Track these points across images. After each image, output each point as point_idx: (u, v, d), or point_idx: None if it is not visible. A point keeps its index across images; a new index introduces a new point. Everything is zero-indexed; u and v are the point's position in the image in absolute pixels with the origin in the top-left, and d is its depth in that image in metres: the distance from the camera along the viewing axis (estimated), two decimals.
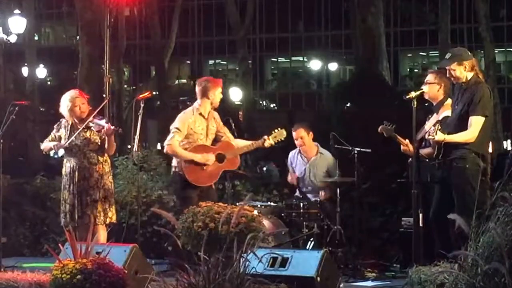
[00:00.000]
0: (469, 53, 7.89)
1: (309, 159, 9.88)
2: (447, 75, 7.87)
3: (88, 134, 8.79)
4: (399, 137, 8.59)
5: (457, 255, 5.20)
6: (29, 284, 7.20)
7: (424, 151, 8.31)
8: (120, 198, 10.82)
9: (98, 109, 8.99)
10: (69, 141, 8.74)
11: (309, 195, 9.77)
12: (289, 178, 10.05)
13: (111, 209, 8.84)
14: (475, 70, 7.77)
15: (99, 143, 8.82)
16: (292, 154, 10.07)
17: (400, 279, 8.24)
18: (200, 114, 8.96)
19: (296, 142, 9.90)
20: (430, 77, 8.46)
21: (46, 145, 9.00)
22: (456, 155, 7.57)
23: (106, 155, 8.89)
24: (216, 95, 8.98)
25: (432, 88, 8.38)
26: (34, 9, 32.62)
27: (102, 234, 8.63)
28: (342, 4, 40.28)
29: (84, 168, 8.76)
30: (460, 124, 7.62)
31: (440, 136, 7.49)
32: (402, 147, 8.63)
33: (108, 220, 8.78)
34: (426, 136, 7.68)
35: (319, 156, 9.86)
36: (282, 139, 9.19)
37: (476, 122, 7.58)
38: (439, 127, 7.43)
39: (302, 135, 9.81)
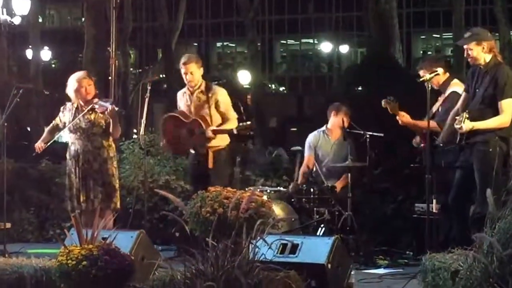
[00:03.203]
0: (489, 34, 7.82)
1: (334, 139, 9.86)
2: (465, 55, 7.83)
3: (92, 117, 8.82)
4: (399, 111, 8.60)
5: (479, 238, 5.18)
6: (34, 270, 7.21)
7: (425, 124, 8.30)
8: (127, 183, 10.86)
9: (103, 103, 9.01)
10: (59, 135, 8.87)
11: (329, 180, 9.72)
12: (303, 169, 10.00)
13: (116, 195, 8.87)
14: (493, 52, 7.70)
15: (103, 127, 8.84)
16: (314, 135, 10.00)
17: (413, 266, 8.23)
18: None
19: (334, 126, 9.86)
20: (425, 75, 8.43)
21: (46, 132, 9.12)
22: (479, 139, 7.53)
23: (110, 140, 8.91)
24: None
25: (435, 80, 8.38)
26: None
27: (110, 219, 8.65)
28: None
29: (88, 151, 8.80)
30: (484, 108, 7.57)
31: (468, 125, 7.43)
32: (400, 119, 8.61)
33: (113, 206, 8.81)
34: (454, 124, 7.61)
35: (342, 139, 9.81)
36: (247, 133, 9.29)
37: (507, 106, 7.50)
38: (467, 116, 7.39)
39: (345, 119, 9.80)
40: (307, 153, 10.06)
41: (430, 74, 8.18)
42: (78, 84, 8.87)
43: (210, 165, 9.07)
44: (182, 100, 9.27)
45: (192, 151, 9.28)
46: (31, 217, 11.72)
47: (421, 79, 8.22)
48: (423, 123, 8.32)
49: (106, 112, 8.73)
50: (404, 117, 8.59)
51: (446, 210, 8.18)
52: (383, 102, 8.58)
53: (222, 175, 8.99)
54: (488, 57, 7.68)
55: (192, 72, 9.12)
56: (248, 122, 9.12)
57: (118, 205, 8.94)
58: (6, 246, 9.06)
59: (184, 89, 9.31)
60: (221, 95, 9.14)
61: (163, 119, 9.30)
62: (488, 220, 5.36)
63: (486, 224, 5.34)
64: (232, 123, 9.06)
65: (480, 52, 7.66)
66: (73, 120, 8.84)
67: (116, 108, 8.77)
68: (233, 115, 9.14)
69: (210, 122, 9.00)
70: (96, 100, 8.82)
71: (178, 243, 9.19)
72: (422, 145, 8.71)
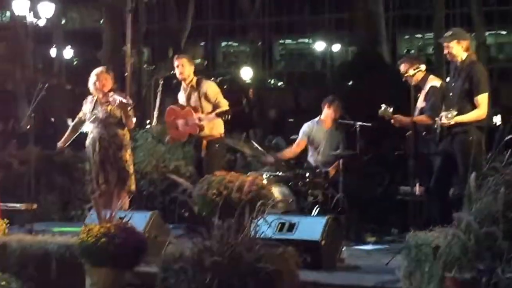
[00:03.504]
0: (467, 34, 7.83)
1: (326, 128, 9.85)
2: (444, 52, 7.81)
3: (109, 108, 8.85)
4: (393, 116, 8.57)
5: (458, 217, 5.18)
6: (58, 247, 7.23)
7: (418, 118, 8.27)
8: (141, 169, 10.85)
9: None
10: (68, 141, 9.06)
11: (323, 166, 9.69)
12: (293, 148, 10.03)
13: (130, 179, 8.86)
14: (469, 51, 7.71)
15: (118, 117, 8.85)
16: (309, 125, 9.98)
17: (398, 243, 8.20)
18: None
19: (327, 116, 9.83)
20: (407, 66, 8.38)
21: (71, 127, 9.13)
22: (460, 129, 7.52)
23: (125, 129, 8.91)
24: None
25: (415, 77, 8.32)
26: None
27: (125, 201, 8.65)
28: None
29: (104, 139, 8.82)
30: (462, 101, 7.55)
31: (454, 119, 7.45)
32: (396, 121, 8.57)
33: (127, 188, 8.81)
34: (441, 120, 7.56)
35: (334, 128, 9.80)
36: None
37: (483, 100, 7.52)
38: (455, 113, 7.37)
39: (337, 111, 9.78)
40: (300, 138, 10.05)
41: (413, 70, 8.15)
42: (96, 78, 8.91)
43: (203, 153, 9.08)
44: (181, 96, 9.32)
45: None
46: (55, 199, 11.72)
47: (405, 75, 8.19)
48: (417, 119, 8.27)
49: (116, 104, 8.74)
50: (399, 118, 8.52)
51: (429, 192, 8.17)
52: (379, 112, 8.56)
53: (213, 164, 8.95)
54: (464, 55, 7.67)
55: (183, 65, 9.20)
56: (226, 108, 9.12)
57: (133, 188, 8.93)
58: (33, 225, 9.06)
59: (181, 88, 9.35)
60: (208, 88, 9.16)
61: (165, 112, 9.33)
62: (466, 201, 5.36)
63: (464, 205, 5.34)
64: (222, 109, 9.07)
65: (460, 50, 7.64)
66: (92, 111, 8.87)
67: (124, 101, 8.76)
68: (224, 103, 9.14)
69: (201, 112, 9.01)
70: (111, 93, 8.83)
71: (187, 222, 9.19)
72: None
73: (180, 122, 9.11)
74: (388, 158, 10.49)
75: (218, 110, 9.03)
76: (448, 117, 7.40)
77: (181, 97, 9.29)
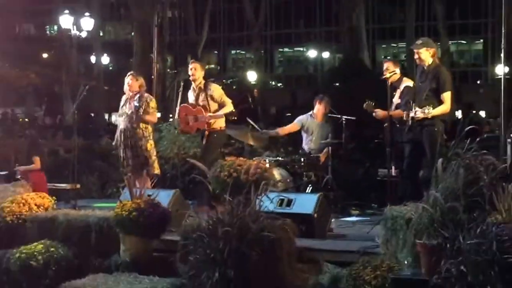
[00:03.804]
0: (434, 43, 7.80)
1: (318, 121, 9.80)
2: (415, 57, 7.77)
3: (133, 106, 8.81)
4: (374, 110, 8.54)
5: (427, 194, 5.17)
6: (97, 219, 7.23)
7: (395, 112, 8.25)
8: (165, 155, 10.83)
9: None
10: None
11: (314, 152, 9.65)
12: (275, 131, 10.00)
13: (149, 164, 8.77)
14: (435, 56, 7.67)
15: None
16: (303, 117, 9.92)
17: (377, 215, 8.15)
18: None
19: (318, 111, 9.73)
20: (390, 66, 8.35)
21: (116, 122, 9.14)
22: (428, 122, 7.47)
23: (148, 124, 8.84)
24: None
25: (392, 78, 8.25)
26: (100, 12, 32.51)
27: (147, 182, 8.61)
28: (333, 7, 39.92)
29: (128, 130, 8.78)
30: (429, 99, 7.49)
31: (430, 113, 7.42)
32: (377, 115, 8.55)
33: (145, 172, 8.73)
34: (417, 114, 7.48)
35: (324, 121, 9.76)
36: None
37: (448, 97, 7.47)
38: (431, 109, 7.32)
39: (326, 107, 9.72)
40: (295, 122, 9.93)
41: (389, 73, 8.11)
42: (126, 80, 8.89)
43: (204, 141, 9.04)
44: (190, 95, 9.25)
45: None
46: (95, 180, 11.73)
47: (383, 77, 8.15)
48: (393, 113, 8.23)
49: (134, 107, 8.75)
50: (379, 112, 8.49)
51: (402, 174, 8.14)
52: (364, 106, 8.53)
53: (209, 151, 8.86)
54: (430, 60, 7.62)
55: (196, 68, 9.06)
56: (233, 110, 9.04)
57: (157, 171, 8.84)
58: (76, 202, 9.07)
59: (191, 88, 9.26)
60: (214, 90, 9.01)
61: (178, 108, 9.22)
62: (433, 181, 5.34)
63: (432, 184, 5.32)
64: (227, 107, 8.97)
65: (428, 56, 7.60)
66: (122, 106, 8.88)
67: (136, 106, 8.71)
68: (227, 101, 9.00)
69: (209, 111, 8.93)
70: (135, 98, 8.76)
71: (203, 198, 9.17)
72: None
73: (190, 118, 9.02)
74: (369, 146, 10.45)
75: (226, 111, 8.92)
76: (425, 112, 7.36)
77: (191, 96, 9.19)
